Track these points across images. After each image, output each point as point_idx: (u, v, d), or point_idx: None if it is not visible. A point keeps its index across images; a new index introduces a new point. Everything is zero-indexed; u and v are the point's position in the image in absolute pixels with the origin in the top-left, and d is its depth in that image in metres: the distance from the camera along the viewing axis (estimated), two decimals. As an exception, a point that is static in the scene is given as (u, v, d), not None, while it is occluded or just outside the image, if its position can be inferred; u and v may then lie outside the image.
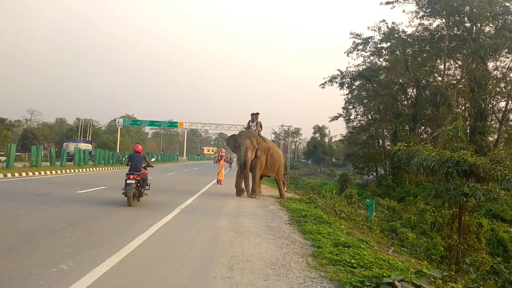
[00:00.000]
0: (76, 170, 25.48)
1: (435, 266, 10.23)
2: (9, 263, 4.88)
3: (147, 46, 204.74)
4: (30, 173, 19.36)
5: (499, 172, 10.02)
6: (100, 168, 30.06)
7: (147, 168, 11.95)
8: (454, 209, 10.66)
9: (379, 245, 9.49)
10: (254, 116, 15.84)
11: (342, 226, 10.44)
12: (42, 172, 20.67)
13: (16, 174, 18.16)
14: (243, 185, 15.09)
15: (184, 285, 4.48)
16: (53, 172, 21.94)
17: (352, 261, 5.98)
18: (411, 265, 6.87)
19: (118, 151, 56.63)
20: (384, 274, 5.16)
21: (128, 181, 10.61)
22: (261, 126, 15.84)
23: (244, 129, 15.80)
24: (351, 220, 13.04)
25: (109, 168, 32.10)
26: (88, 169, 27.45)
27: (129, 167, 11.22)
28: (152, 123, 74.93)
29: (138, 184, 11.03)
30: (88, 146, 44.57)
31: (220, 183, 20.24)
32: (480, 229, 16.72)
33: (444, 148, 11.44)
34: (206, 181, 22.28)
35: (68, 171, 24.04)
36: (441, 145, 13.25)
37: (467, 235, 10.70)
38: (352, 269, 5.58)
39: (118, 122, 72.29)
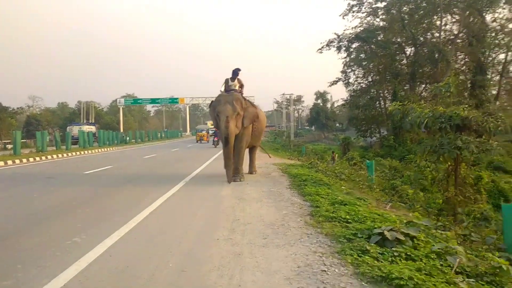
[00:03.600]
0: (82, 152, 25.91)
1: (434, 218, 10.61)
2: (28, 240, 5.30)
3: (141, 23, 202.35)
4: (38, 158, 19.74)
5: (492, 124, 10.30)
6: (105, 149, 30.50)
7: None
8: (449, 163, 10.97)
9: (378, 202, 9.82)
10: (236, 73, 11.89)
11: (342, 187, 10.77)
12: (49, 157, 21.05)
13: (24, 160, 18.58)
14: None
15: (189, 248, 4.86)
16: (59, 155, 22.35)
17: (347, 217, 6.32)
18: (404, 217, 7.22)
19: (121, 131, 57.05)
20: (376, 226, 5.50)
21: (214, 140, 31.32)
22: (242, 85, 12.09)
23: (222, 92, 11.80)
24: (351, 181, 13.37)
25: (114, 148, 32.56)
26: (93, 151, 27.90)
27: (213, 135, 31.91)
28: (153, 101, 74.95)
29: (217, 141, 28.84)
30: (92, 128, 44.92)
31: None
32: (480, 182, 17.08)
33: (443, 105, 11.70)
34: (209, 155, 22.63)
35: (74, 153, 24.46)
36: (440, 101, 13.47)
37: (463, 187, 11.04)
38: (347, 224, 5.92)
39: (119, 102, 72.44)
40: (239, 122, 11.09)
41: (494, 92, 38.46)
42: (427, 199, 13.68)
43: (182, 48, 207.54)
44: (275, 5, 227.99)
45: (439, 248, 4.73)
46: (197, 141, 43.64)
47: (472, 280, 4.03)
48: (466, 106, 12.21)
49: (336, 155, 26.83)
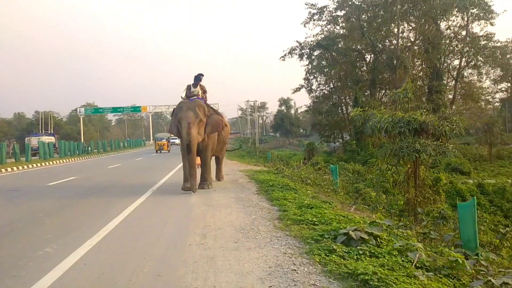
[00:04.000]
0: (43, 164, 25.20)
1: (396, 219, 11.05)
2: (-3, 252, 5.25)
3: (100, 30, 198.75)
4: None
5: (447, 127, 10.88)
6: (67, 160, 29.80)
7: None
8: (409, 166, 11.48)
9: (343, 205, 10.16)
10: (198, 78, 11.50)
11: (308, 192, 11.07)
12: (9, 169, 20.39)
13: (15, 168, 17.94)
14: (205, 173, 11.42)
15: (162, 254, 4.97)
16: (20, 167, 21.69)
17: (314, 219, 6.59)
18: (368, 218, 7.55)
19: (82, 141, 55.85)
20: (341, 227, 5.78)
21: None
22: (205, 92, 11.86)
23: (184, 99, 11.42)
24: (316, 185, 13.70)
25: (75, 159, 31.85)
26: (54, 162, 27.20)
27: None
28: (114, 110, 73.64)
29: None
30: (51, 139, 43.68)
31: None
32: (438, 183, 17.81)
33: (402, 110, 12.24)
34: (174, 164, 22.53)
35: (34, 165, 23.77)
36: (399, 107, 14.00)
37: (422, 189, 11.57)
38: (314, 226, 6.17)
39: (80, 112, 70.77)
40: (202, 130, 10.77)
41: (450, 96, 40.08)
42: (389, 201, 14.18)
43: (144, 56, 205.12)
44: (238, 12, 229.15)
45: (400, 246, 5.03)
46: (156, 150, 39.91)
47: (431, 273, 4.34)
48: (424, 110, 12.83)
49: (306, 161, 27.11)
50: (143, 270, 4.35)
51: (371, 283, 3.85)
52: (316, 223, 6.38)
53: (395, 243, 5.17)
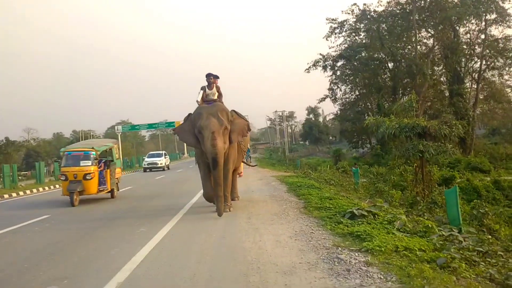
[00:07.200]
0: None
1: (407, 210, 12.96)
2: (108, 231, 7.69)
3: (132, 52, 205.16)
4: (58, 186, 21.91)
5: (447, 130, 12.81)
6: (115, 174, 32.64)
7: None
8: (416, 164, 13.44)
9: (360, 199, 12.19)
10: (212, 79, 9.75)
11: (331, 190, 13.12)
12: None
13: (52, 187, 20.79)
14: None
15: (222, 228, 7.26)
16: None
17: (330, 206, 8.77)
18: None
19: (121, 156, 59.28)
20: (349, 209, 7.91)
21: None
22: (221, 94, 9.93)
23: (201, 104, 9.55)
24: (340, 185, 15.76)
25: (123, 172, 34.58)
26: (104, 176, 30.05)
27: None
28: (150, 126, 76.86)
29: None
30: (94, 156, 46.98)
31: (240, 176, 15.92)
32: (453, 180, 19.55)
33: (425, 114, 14.24)
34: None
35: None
36: (421, 112, 15.90)
37: (429, 183, 13.49)
38: (330, 210, 8.33)
39: (117, 130, 74.61)
40: (227, 138, 9.01)
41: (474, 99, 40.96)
42: (406, 197, 16.05)
43: (170, 68, 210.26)
44: (265, 26, 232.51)
45: (390, 217, 7.13)
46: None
47: (409, 234, 6.40)
48: (451, 113, 14.72)
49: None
50: (212, 235, 6.64)
51: (361, 236, 5.98)
52: (332, 208, 8.53)
53: (386, 215, 7.28)
